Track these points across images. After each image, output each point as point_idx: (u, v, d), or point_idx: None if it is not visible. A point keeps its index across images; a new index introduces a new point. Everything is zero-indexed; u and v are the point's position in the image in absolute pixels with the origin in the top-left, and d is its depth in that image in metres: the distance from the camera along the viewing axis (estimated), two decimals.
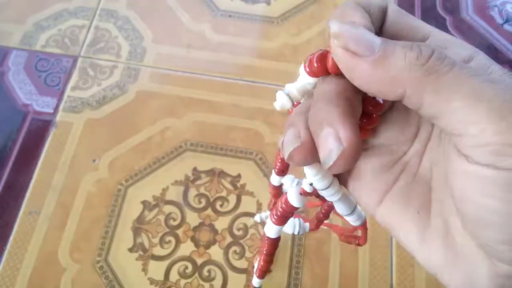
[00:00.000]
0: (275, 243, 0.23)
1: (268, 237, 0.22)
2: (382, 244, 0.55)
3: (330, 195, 0.19)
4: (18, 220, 0.56)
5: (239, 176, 0.59)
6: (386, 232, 0.56)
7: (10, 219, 0.56)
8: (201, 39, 0.70)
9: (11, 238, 0.55)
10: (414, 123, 0.18)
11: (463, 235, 0.16)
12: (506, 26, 0.74)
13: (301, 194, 0.20)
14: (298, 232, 0.25)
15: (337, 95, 0.15)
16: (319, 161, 0.15)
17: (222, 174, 0.59)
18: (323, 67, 0.16)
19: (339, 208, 0.21)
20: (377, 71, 0.14)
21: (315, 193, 0.19)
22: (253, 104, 0.64)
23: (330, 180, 0.18)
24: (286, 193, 0.20)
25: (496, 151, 0.13)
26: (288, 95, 0.18)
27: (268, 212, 0.29)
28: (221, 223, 0.56)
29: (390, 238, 0.56)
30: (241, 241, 0.55)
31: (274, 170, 0.25)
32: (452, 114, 0.13)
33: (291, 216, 0.21)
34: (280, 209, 0.21)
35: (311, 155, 0.15)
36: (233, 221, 0.57)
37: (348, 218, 0.22)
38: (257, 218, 0.35)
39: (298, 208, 0.20)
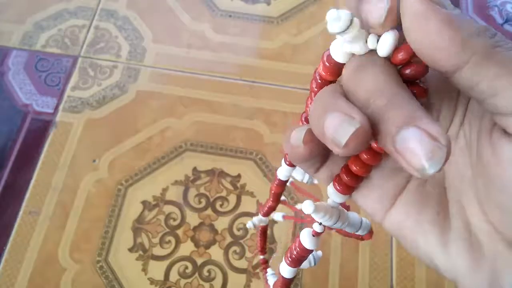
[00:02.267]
0: (289, 282, 0.22)
1: (283, 277, 0.22)
2: (382, 244, 0.55)
3: (339, 227, 0.18)
4: (18, 220, 0.56)
5: (239, 176, 0.59)
6: (386, 233, 0.56)
7: (10, 219, 0.56)
8: (201, 39, 0.70)
9: (11, 238, 0.55)
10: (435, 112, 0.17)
11: (490, 235, 0.15)
12: (506, 26, 0.74)
13: (313, 235, 0.19)
14: (315, 263, 0.24)
15: (398, 83, 0.13)
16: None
17: (222, 174, 0.59)
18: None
19: (348, 229, 0.20)
20: (449, 29, 0.13)
21: (326, 229, 0.19)
22: (253, 104, 0.64)
23: (337, 215, 0.18)
24: (299, 235, 0.20)
25: None
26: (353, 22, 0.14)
27: (261, 217, 0.28)
28: (221, 223, 0.56)
29: (390, 238, 0.56)
30: (241, 241, 0.55)
31: (285, 161, 0.23)
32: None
33: (306, 259, 0.21)
34: (295, 253, 0.20)
35: (369, 138, 0.13)
36: (233, 221, 0.57)
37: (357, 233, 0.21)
38: (249, 224, 0.33)
39: (312, 250, 0.20)
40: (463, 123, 0.16)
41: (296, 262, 0.21)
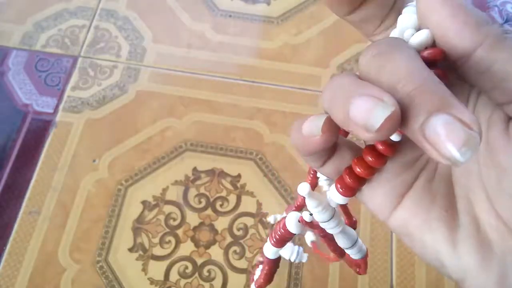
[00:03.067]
0: (273, 263, 0.22)
1: (266, 257, 0.22)
2: (382, 244, 0.55)
3: (331, 228, 0.18)
4: (18, 220, 0.56)
5: (239, 176, 0.59)
6: (386, 232, 0.56)
7: (10, 219, 0.56)
8: (201, 39, 0.70)
9: (11, 238, 0.55)
10: None
11: (500, 232, 0.14)
12: (506, 26, 0.74)
13: (299, 221, 0.19)
14: (295, 260, 0.24)
15: (426, 68, 0.13)
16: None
17: (222, 174, 0.59)
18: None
19: (340, 241, 0.20)
20: (463, 14, 0.13)
21: (315, 225, 0.18)
22: (253, 104, 0.64)
23: (332, 212, 0.17)
24: (285, 217, 0.20)
25: None
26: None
27: (284, 214, 0.28)
28: (221, 223, 0.56)
29: (390, 238, 0.56)
30: (241, 241, 0.55)
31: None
32: None
33: (289, 241, 0.21)
34: (279, 233, 0.20)
35: (400, 124, 0.12)
36: (233, 221, 0.57)
37: (348, 251, 0.21)
38: (271, 219, 0.33)
39: (295, 234, 0.20)
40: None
41: (279, 242, 0.21)
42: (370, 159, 0.15)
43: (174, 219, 0.57)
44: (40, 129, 0.62)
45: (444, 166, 0.16)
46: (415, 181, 0.16)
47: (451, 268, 0.15)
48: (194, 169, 0.60)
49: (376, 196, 0.17)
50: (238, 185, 0.59)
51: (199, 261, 0.54)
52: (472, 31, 0.13)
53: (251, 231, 0.56)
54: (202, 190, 0.58)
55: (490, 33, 0.13)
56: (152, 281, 0.53)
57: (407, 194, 0.16)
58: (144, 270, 0.54)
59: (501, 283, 0.14)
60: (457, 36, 0.13)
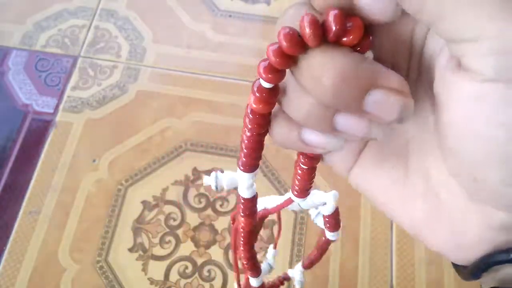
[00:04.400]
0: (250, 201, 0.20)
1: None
2: (382, 244, 0.55)
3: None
4: (18, 220, 0.56)
5: None
6: (386, 232, 0.56)
7: (10, 219, 0.56)
8: (201, 39, 0.70)
9: (11, 238, 0.55)
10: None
11: (449, 185, 0.14)
12: None
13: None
14: (216, 188, 0.23)
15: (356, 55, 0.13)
16: None
17: None
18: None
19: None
20: None
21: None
22: None
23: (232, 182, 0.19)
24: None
25: (499, 60, 0.11)
26: None
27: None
28: (221, 223, 0.56)
29: (390, 239, 0.56)
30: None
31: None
32: (459, 13, 0.11)
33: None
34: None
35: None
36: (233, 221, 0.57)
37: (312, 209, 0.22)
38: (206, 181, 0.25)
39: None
40: (420, 76, 0.15)
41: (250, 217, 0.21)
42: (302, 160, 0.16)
43: (174, 219, 0.57)
44: (40, 129, 0.62)
45: (398, 125, 0.16)
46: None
47: (405, 225, 0.16)
48: (194, 169, 0.60)
49: (335, 155, 0.17)
50: None
51: (199, 261, 0.54)
52: None
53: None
54: (202, 190, 0.58)
55: None
56: (152, 281, 0.53)
57: (363, 152, 0.17)
58: (144, 270, 0.54)
59: (452, 240, 0.15)
60: None
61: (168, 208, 0.57)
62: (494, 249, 0.14)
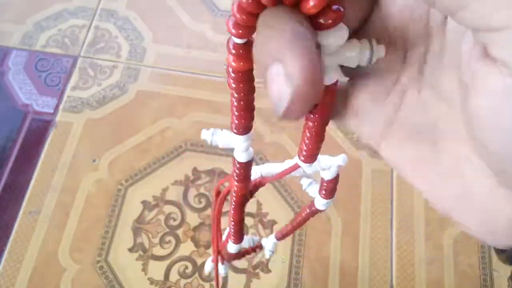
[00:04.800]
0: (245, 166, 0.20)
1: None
2: (382, 244, 0.55)
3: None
4: (18, 220, 0.56)
5: None
6: (386, 232, 0.56)
7: (10, 219, 0.56)
8: (201, 39, 0.70)
9: (11, 238, 0.55)
10: (400, 43, 0.15)
11: (479, 168, 0.14)
12: None
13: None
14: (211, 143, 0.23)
15: (283, 18, 0.12)
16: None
17: (222, 174, 0.59)
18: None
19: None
20: None
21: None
22: None
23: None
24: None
25: None
26: None
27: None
28: (221, 223, 0.56)
29: (390, 238, 0.56)
30: None
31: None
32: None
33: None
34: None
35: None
36: None
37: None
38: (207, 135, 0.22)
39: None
40: (443, 55, 0.14)
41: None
42: None
43: (174, 219, 0.57)
44: (40, 129, 0.62)
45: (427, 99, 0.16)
46: (396, 113, 0.16)
47: (436, 204, 0.15)
48: (194, 169, 0.60)
49: (364, 128, 0.16)
50: None
51: (199, 261, 0.54)
52: None
53: (251, 231, 0.56)
54: (202, 190, 0.58)
55: None
56: (152, 281, 0.53)
57: (393, 124, 0.16)
58: (144, 270, 0.54)
59: (485, 225, 0.14)
60: None
61: (168, 208, 0.57)
62: None
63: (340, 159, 0.20)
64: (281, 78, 0.11)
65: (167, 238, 0.55)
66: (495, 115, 0.11)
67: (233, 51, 0.14)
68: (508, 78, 0.11)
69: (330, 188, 0.22)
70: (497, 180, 0.13)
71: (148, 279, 0.53)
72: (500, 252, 0.15)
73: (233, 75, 0.15)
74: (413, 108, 0.15)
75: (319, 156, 0.18)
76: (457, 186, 0.14)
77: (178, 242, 0.55)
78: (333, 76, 0.14)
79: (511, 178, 0.12)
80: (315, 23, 0.12)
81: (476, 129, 0.12)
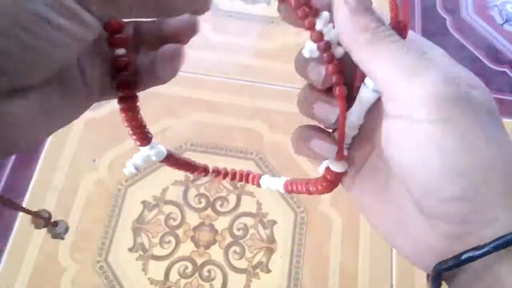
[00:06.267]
0: None
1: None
2: (382, 244, 0.55)
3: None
4: (18, 220, 0.56)
5: None
6: None
7: (10, 219, 0.56)
8: (201, 39, 0.70)
9: (11, 238, 0.55)
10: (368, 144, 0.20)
11: (408, 202, 0.17)
12: (506, 26, 0.74)
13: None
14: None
15: None
16: None
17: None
18: None
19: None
20: (352, 18, 0.16)
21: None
22: (253, 104, 0.64)
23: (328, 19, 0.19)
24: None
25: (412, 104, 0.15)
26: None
27: None
28: (221, 223, 0.56)
29: None
30: (241, 241, 0.55)
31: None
32: (378, 72, 0.16)
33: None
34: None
35: None
36: (233, 221, 0.57)
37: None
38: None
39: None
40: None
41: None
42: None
43: (174, 219, 0.57)
44: None
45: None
46: (364, 163, 0.20)
47: (383, 233, 0.19)
48: None
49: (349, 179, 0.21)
50: (238, 185, 0.59)
51: (199, 261, 0.54)
52: (353, 27, 0.16)
53: (251, 231, 0.56)
54: (202, 190, 0.58)
55: (368, 32, 0.16)
56: (152, 281, 0.53)
57: (357, 176, 0.20)
58: (144, 270, 0.54)
59: (414, 244, 0.17)
60: (342, 29, 0.17)
61: (168, 208, 0.57)
62: (444, 257, 0.16)
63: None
64: None
65: (167, 238, 0.55)
66: (400, 149, 0.16)
67: None
68: (403, 123, 0.16)
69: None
70: (419, 211, 0.16)
71: (148, 279, 0.53)
72: (427, 277, 0.19)
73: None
74: (369, 168, 0.20)
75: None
76: (399, 218, 0.18)
77: (178, 242, 0.55)
78: None
79: (425, 204, 0.16)
80: None
81: (394, 166, 0.17)
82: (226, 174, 0.24)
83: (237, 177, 0.23)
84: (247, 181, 0.23)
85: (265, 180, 0.22)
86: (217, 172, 0.24)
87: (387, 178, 0.18)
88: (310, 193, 0.21)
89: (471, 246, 0.15)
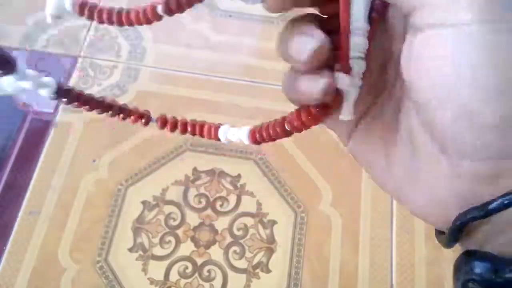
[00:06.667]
0: None
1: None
2: (382, 244, 0.55)
3: None
4: (18, 220, 0.56)
5: (239, 176, 0.59)
6: (386, 232, 0.56)
7: (10, 219, 0.56)
8: (201, 39, 0.70)
9: (11, 238, 0.55)
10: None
11: (427, 144, 0.14)
12: None
13: None
14: None
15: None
16: None
17: (222, 174, 0.59)
18: None
19: None
20: None
21: None
22: (253, 104, 0.64)
23: None
24: None
25: (442, 8, 0.12)
26: None
27: None
28: (221, 223, 0.56)
29: (390, 238, 0.56)
30: (241, 241, 0.55)
31: None
32: None
33: None
34: None
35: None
36: (233, 221, 0.57)
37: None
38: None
39: None
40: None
41: None
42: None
43: (174, 219, 0.57)
44: (40, 129, 0.62)
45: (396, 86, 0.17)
46: (372, 105, 0.18)
47: (388, 186, 0.17)
48: (194, 169, 0.60)
49: (336, 125, 0.19)
50: (238, 185, 0.59)
51: (199, 261, 0.54)
52: None
53: (251, 231, 0.56)
54: (202, 190, 0.58)
55: None
56: (152, 281, 0.53)
57: (359, 123, 0.18)
58: (144, 270, 0.54)
59: (430, 198, 0.15)
60: None
61: (168, 208, 0.57)
62: (467, 206, 0.13)
63: None
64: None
65: (167, 238, 0.55)
66: (420, 66, 0.13)
67: None
68: (423, 33, 0.13)
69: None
70: (439, 147, 0.14)
71: (148, 279, 0.53)
72: (438, 234, 0.16)
73: None
74: (373, 117, 0.18)
75: None
76: (410, 167, 0.15)
77: (178, 242, 0.55)
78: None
79: (444, 135, 0.13)
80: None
81: (411, 88, 0.14)
82: (175, 124, 0.21)
83: (189, 128, 0.20)
84: (201, 134, 0.20)
85: (224, 130, 0.19)
86: (163, 122, 0.21)
87: (398, 123, 0.16)
88: (286, 134, 0.17)
89: (506, 190, 0.12)
